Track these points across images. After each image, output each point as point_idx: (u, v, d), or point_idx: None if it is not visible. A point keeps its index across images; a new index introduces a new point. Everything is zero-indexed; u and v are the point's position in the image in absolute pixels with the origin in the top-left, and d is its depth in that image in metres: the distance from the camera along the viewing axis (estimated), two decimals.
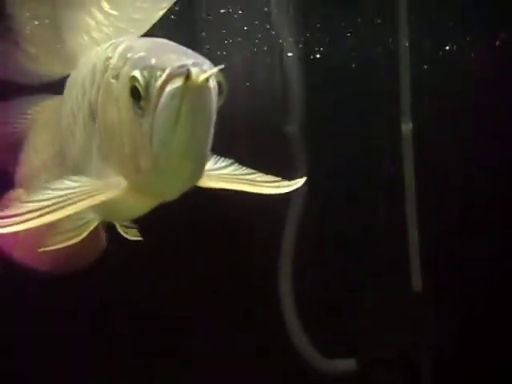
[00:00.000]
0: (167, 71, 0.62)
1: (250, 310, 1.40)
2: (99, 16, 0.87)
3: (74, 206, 0.68)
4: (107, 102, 0.70)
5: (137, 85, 0.64)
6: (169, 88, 0.62)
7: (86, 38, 0.89)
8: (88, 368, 1.35)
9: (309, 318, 1.41)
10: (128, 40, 0.74)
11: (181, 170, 0.67)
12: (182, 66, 0.62)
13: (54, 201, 0.68)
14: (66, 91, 0.87)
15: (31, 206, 0.68)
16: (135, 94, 0.64)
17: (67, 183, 0.70)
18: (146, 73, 0.64)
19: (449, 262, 1.41)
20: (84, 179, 0.72)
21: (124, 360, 1.36)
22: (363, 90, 1.37)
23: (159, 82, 0.62)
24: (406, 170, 1.38)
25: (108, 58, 0.71)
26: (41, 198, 0.68)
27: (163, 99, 0.62)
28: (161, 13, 0.89)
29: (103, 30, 0.88)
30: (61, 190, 0.69)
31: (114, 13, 0.87)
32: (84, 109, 0.76)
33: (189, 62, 0.63)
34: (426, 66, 1.40)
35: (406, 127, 1.38)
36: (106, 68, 0.71)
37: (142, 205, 0.76)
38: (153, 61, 0.64)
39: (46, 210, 0.67)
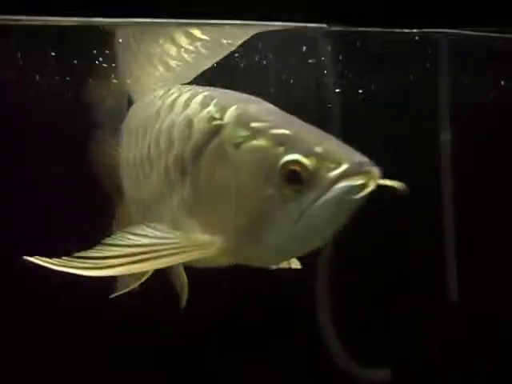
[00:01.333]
0: (345, 167, 0.62)
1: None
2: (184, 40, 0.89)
3: (166, 259, 0.66)
4: (218, 166, 0.68)
5: (297, 169, 0.63)
6: (346, 183, 0.62)
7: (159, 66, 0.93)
8: None
9: (345, 328, 1.42)
10: (222, 95, 0.74)
11: (301, 251, 0.69)
12: (361, 164, 0.62)
13: (143, 249, 0.67)
14: (131, 124, 0.87)
15: (117, 251, 0.66)
16: (293, 177, 0.63)
17: (155, 232, 0.68)
18: (313, 160, 0.63)
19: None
20: (174, 232, 0.70)
21: None
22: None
23: (334, 174, 0.62)
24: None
25: (215, 119, 0.70)
26: (126, 243, 0.67)
27: (336, 192, 0.62)
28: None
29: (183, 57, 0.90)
30: (149, 238, 0.68)
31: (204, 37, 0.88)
32: (168, 159, 0.75)
33: (362, 159, 0.62)
34: None
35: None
36: (212, 131, 0.70)
37: (221, 262, 0.75)
38: (318, 148, 0.64)
39: (138, 257, 0.66)
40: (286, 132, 0.66)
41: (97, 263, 0.65)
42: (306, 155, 0.63)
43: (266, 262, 0.72)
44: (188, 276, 0.85)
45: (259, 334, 1.41)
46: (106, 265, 0.65)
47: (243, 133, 0.68)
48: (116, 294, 0.80)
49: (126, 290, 0.79)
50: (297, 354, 1.43)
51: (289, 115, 0.70)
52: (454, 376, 1.41)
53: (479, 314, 1.40)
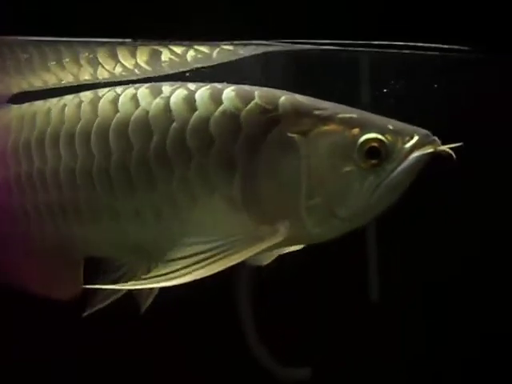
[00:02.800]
0: (416, 139, 0.72)
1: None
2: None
3: (239, 254, 0.68)
4: (282, 156, 0.71)
5: (376, 145, 0.71)
6: (417, 154, 0.71)
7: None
8: None
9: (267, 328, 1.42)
10: (261, 89, 0.76)
11: (368, 219, 0.75)
12: (428, 136, 0.72)
13: (211, 253, 0.69)
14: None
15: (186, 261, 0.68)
16: (373, 152, 0.70)
17: (212, 237, 0.70)
18: (389, 136, 0.72)
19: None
20: (230, 231, 0.71)
21: None
22: None
23: (409, 146, 0.72)
24: None
25: (268, 111, 0.72)
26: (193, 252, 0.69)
27: (411, 160, 0.71)
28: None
29: None
30: (211, 243, 0.69)
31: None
32: (205, 158, 0.73)
33: (426, 131, 0.73)
34: None
35: None
36: (269, 123, 0.72)
37: (286, 249, 0.80)
38: (389, 126, 0.73)
39: (208, 261, 0.68)
40: (353, 115, 0.73)
41: (173, 275, 0.68)
42: (382, 133, 0.72)
43: (330, 236, 0.76)
44: None
45: (176, 332, 1.39)
46: (182, 273, 0.67)
47: (308, 121, 0.72)
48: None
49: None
50: (217, 352, 1.41)
51: (331, 102, 0.76)
52: (374, 374, 1.42)
53: (400, 313, 1.41)
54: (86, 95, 0.81)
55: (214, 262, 0.67)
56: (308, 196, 0.71)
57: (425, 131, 0.73)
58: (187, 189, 0.74)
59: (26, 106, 0.89)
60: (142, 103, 0.76)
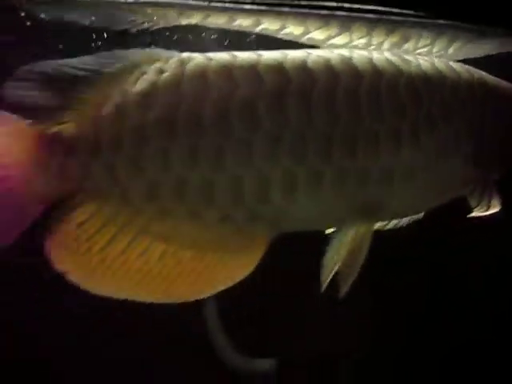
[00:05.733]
0: None
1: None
2: None
3: None
4: (502, 121, 0.83)
5: None
6: None
7: None
8: None
9: (229, 318, 1.39)
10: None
11: None
12: None
13: None
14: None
15: None
16: None
17: None
18: None
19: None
20: None
21: None
22: None
23: None
24: None
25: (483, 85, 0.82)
26: None
27: None
28: None
29: None
30: None
31: None
32: (446, 129, 0.78)
33: None
34: None
35: None
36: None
37: None
38: None
39: None
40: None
41: None
42: None
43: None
44: None
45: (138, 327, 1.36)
46: None
47: None
48: None
49: None
50: (181, 346, 1.39)
51: None
52: (339, 367, 1.41)
53: (366, 307, 1.40)
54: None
55: None
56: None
57: None
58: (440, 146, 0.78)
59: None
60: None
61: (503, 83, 0.86)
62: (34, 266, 0.80)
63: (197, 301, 1.30)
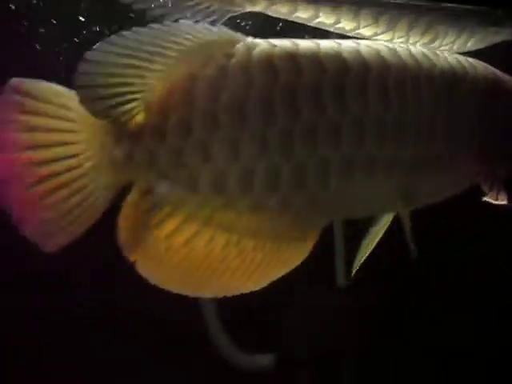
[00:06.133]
0: None
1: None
2: None
3: None
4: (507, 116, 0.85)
5: None
6: None
7: None
8: None
9: (229, 314, 1.38)
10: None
11: None
12: None
13: None
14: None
15: None
16: None
17: None
18: None
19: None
20: None
21: None
22: None
23: None
24: None
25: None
26: None
27: None
28: None
29: None
30: None
31: None
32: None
33: None
34: None
35: None
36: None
37: None
38: None
39: None
40: None
41: None
42: None
43: None
44: None
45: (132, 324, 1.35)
46: None
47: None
48: None
49: None
50: (178, 343, 1.37)
51: None
52: (337, 362, 1.40)
53: (365, 301, 1.39)
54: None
55: None
56: None
57: None
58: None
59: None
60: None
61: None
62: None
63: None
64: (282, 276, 1.29)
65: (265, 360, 1.39)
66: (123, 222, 0.72)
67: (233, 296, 1.31)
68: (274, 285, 1.35)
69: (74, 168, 0.72)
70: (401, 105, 0.77)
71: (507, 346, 1.40)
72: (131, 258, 0.72)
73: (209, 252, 0.74)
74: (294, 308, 1.39)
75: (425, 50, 0.83)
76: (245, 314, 1.36)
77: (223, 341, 1.38)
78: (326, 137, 0.74)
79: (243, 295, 1.34)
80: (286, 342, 1.39)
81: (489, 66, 0.88)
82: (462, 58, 0.85)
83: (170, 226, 0.73)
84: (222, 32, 0.74)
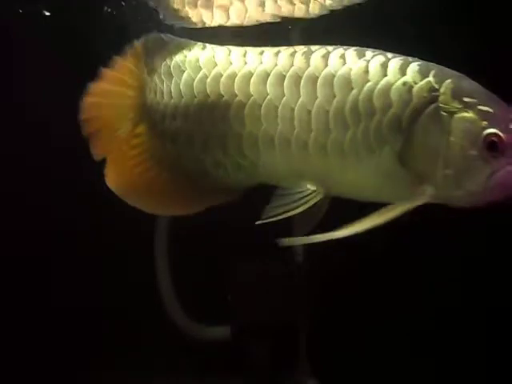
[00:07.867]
0: None
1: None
2: None
3: (393, 212, 0.88)
4: (433, 128, 0.90)
5: (496, 140, 0.87)
6: None
7: None
8: None
9: (183, 285, 1.39)
10: (441, 69, 0.93)
11: (489, 198, 0.90)
12: None
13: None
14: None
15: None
16: (492, 145, 0.87)
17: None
18: (508, 135, 0.87)
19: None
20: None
21: None
22: None
23: None
24: None
25: (434, 90, 0.90)
26: None
27: None
28: None
29: None
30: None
31: None
32: (385, 118, 0.91)
33: None
34: None
35: None
36: (432, 98, 0.90)
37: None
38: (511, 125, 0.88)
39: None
40: (489, 110, 0.89)
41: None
42: (503, 131, 0.87)
43: (460, 203, 0.92)
44: None
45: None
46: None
47: (457, 104, 0.90)
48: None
49: None
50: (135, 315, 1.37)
51: (491, 94, 0.91)
52: (293, 333, 1.41)
53: (324, 275, 1.40)
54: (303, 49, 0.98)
55: (370, 219, 0.87)
56: (445, 166, 0.89)
57: None
58: (366, 139, 0.92)
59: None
60: (348, 62, 0.94)
61: None
62: None
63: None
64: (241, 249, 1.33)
65: (220, 332, 1.40)
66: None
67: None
68: (232, 257, 1.37)
69: None
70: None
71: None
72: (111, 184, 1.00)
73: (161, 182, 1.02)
74: (250, 282, 1.39)
75: (342, 52, 0.96)
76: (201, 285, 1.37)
77: (178, 312, 1.39)
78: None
79: (199, 267, 1.35)
80: (241, 314, 1.39)
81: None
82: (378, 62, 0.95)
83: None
84: None
